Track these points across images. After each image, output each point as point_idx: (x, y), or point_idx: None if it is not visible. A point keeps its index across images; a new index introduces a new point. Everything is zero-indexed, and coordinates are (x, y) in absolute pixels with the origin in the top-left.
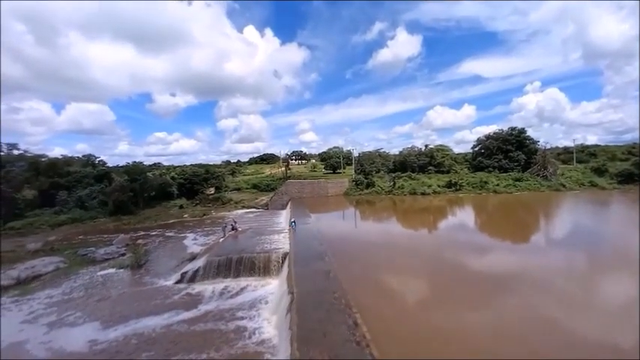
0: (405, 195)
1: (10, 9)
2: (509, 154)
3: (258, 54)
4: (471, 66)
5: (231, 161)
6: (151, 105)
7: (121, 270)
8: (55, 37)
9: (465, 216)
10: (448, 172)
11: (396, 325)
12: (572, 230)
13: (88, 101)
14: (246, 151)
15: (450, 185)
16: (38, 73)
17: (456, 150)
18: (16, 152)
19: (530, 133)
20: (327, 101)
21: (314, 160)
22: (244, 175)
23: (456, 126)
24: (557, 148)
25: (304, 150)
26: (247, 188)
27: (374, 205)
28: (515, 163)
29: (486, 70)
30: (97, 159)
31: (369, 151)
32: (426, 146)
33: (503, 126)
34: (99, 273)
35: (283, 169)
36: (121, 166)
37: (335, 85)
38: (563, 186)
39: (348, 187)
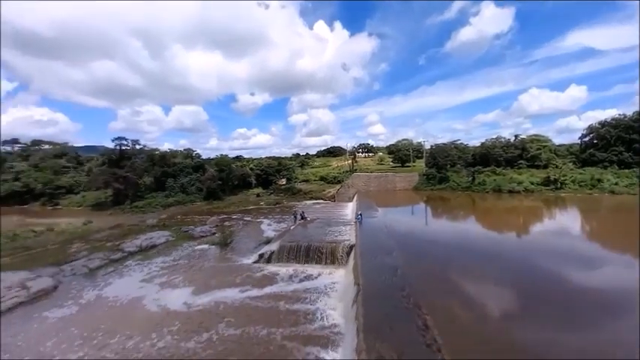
0: (486, 192)
1: (129, 28)
2: (633, 145)
3: (328, 48)
4: (579, 37)
5: (301, 154)
6: (234, 104)
7: (213, 246)
8: (163, 50)
9: (567, 220)
10: (545, 167)
11: (472, 334)
12: None
13: (187, 104)
14: (314, 144)
15: (547, 182)
16: (152, 81)
17: (557, 141)
18: (138, 147)
19: None
20: (396, 92)
21: (381, 153)
22: (312, 167)
23: (559, 111)
24: None
25: (371, 143)
26: (315, 180)
27: (448, 201)
28: None
29: (601, 42)
30: (194, 152)
31: (444, 143)
32: (516, 136)
33: (625, 110)
34: (196, 247)
35: (350, 161)
36: (212, 159)
37: (405, 74)
38: None
39: (418, 181)
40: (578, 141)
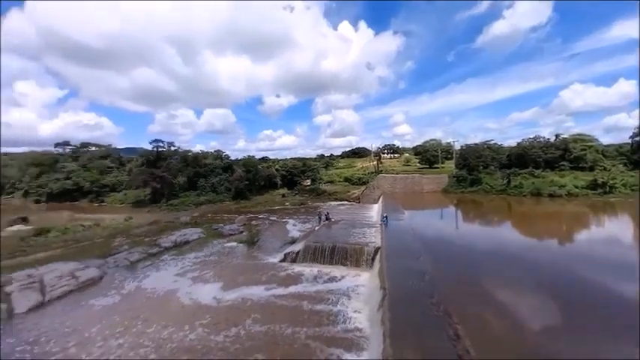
0: (524, 196)
1: (164, 36)
2: None
3: (352, 48)
4: (626, 28)
5: (325, 155)
6: (261, 107)
7: (240, 244)
8: (195, 56)
9: (617, 228)
10: (592, 169)
11: (509, 347)
12: None
13: (217, 107)
14: (339, 145)
15: (594, 186)
16: (186, 86)
17: (605, 140)
18: (173, 148)
19: None
20: (423, 90)
21: (407, 154)
22: (337, 168)
23: (606, 108)
24: None
25: (397, 143)
26: (339, 181)
27: (480, 205)
28: None
29: None
30: (224, 153)
31: (475, 144)
32: (557, 136)
33: None
34: (225, 245)
35: (375, 163)
36: (240, 160)
37: (432, 72)
38: None
39: (447, 183)
40: (629, 140)
